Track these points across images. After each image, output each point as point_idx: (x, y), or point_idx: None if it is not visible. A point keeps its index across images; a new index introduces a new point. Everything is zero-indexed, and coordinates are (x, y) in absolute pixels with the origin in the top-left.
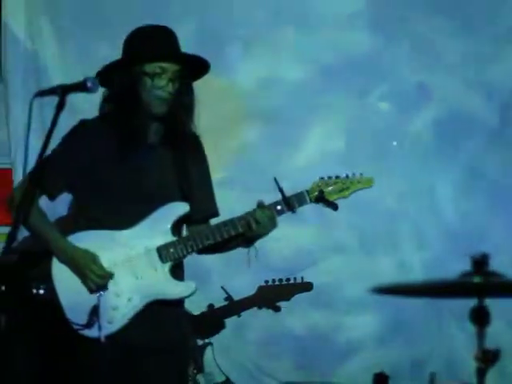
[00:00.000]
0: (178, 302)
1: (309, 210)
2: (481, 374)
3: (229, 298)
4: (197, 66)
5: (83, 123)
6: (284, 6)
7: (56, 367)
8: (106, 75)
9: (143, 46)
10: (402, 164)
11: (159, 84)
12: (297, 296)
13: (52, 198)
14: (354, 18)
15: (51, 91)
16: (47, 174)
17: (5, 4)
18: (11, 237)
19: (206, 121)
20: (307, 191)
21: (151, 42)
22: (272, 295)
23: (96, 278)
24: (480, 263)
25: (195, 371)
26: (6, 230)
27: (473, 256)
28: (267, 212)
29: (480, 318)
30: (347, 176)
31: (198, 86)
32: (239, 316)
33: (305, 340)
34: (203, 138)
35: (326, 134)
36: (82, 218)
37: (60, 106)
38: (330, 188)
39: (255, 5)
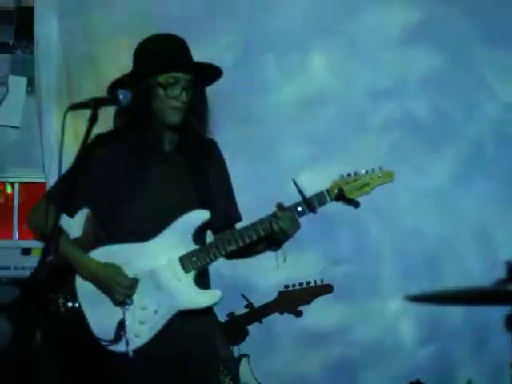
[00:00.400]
0: (207, 311)
1: None
2: None
3: (249, 304)
4: (209, 73)
5: (99, 138)
6: None
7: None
8: (119, 88)
9: (155, 56)
10: None
11: (173, 94)
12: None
13: (72, 216)
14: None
15: (84, 105)
16: (66, 193)
17: (38, 19)
18: (45, 253)
19: None
20: (327, 190)
21: (162, 53)
22: (293, 300)
23: (122, 289)
24: None
25: (231, 382)
26: (35, 244)
27: (508, 263)
28: (288, 213)
29: None
30: (367, 172)
31: None
32: (261, 322)
33: (336, 344)
34: None
35: None
36: (103, 233)
37: (93, 120)
38: (350, 185)
39: None
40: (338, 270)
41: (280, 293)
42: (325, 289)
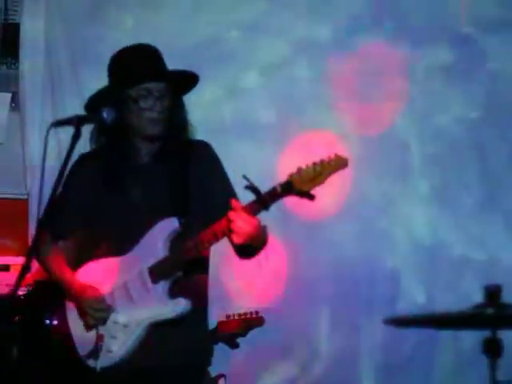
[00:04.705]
0: (181, 321)
1: None
2: None
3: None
4: (184, 81)
5: (82, 158)
6: None
7: None
8: (95, 106)
9: (124, 70)
10: None
11: (146, 105)
12: None
13: (65, 239)
14: None
15: (67, 121)
16: (55, 219)
17: (24, 36)
18: (24, 269)
19: None
20: (280, 185)
21: (131, 66)
22: (230, 330)
23: (94, 314)
24: (493, 295)
25: None
26: (14, 260)
27: (486, 287)
28: (241, 214)
29: (493, 349)
30: (321, 160)
31: None
32: None
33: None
34: None
35: None
36: (86, 250)
37: (76, 137)
38: (304, 177)
39: None
40: None
41: (219, 322)
42: (257, 321)
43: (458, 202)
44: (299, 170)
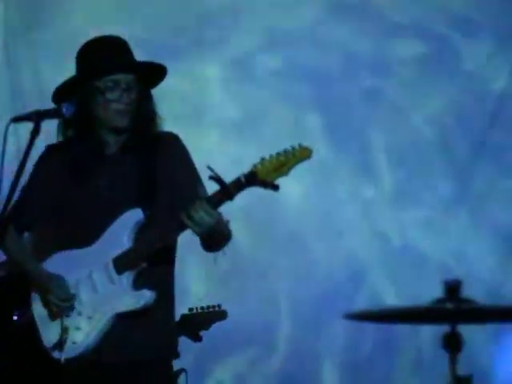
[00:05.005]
0: (146, 313)
1: None
2: None
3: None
4: (152, 72)
5: (48, 149)
6: None
7: None
8: (62, 96)
9: (91, 62)
10: None
11: (113, 97)
12: None
13: (30, 230)
14: None
15: (26, 117)
16: (19, 211)
17: None
18: None
19: None
20: (244, 175)
21: (99, 57)
22: (192, 324)
23: (57, 302)
24: (453, 289)
25: None
26: None
27: (446, 282)
28: (204, 206)
29: (452, 344)
30: (284, 150)
31: None
32: None
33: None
34: None
35: None
36: (54, 240)
37: (35, 132)
38: (267, 167)
39: None
40: None
41: (182, 316)
42: (219, 315)
43: (423, 198)
44: (263, 160)
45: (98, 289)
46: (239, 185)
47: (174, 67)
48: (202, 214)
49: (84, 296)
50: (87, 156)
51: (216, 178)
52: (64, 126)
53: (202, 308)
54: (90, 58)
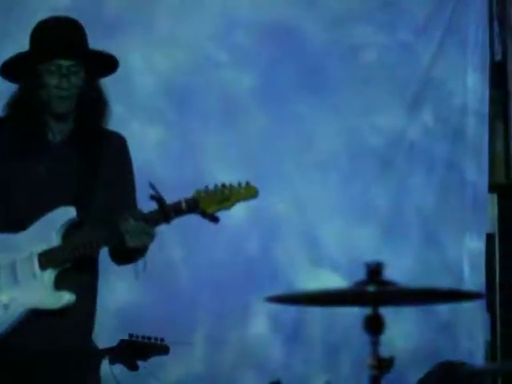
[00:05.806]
0: (64, 313)
1: None
2: (375, 381)
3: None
4: (101, 62)
5: None
6: None
7: None
8: (9, 72)
9: (38, 44)
10: None
11: (54, 82)
12: None
13: None
14: None
15: None
16: None
17: None
18: None
19: None
20: (186, 200)
21: (45, 40)
22: (130, 351)
23: None
24: (375, 272)
25: None
26: None
27: (368, 264)
28: (140, 224)
29: (374, 326)
30: (230, 185)
31: None
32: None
33: None
34: None
35: None
36: None
37: None
38: (210, 198)
39: None
40: None
41: (121, 341)
42: (162, 349)
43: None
44: (206, 188)
45: (19, 279)
46: (179, 210)
47: None
48: (140, 230)
49: (3, 283)
50: (31, 139)
51: (157, 198)
52: (10, 108)
53: (143, 337)
54: (38, 39)
